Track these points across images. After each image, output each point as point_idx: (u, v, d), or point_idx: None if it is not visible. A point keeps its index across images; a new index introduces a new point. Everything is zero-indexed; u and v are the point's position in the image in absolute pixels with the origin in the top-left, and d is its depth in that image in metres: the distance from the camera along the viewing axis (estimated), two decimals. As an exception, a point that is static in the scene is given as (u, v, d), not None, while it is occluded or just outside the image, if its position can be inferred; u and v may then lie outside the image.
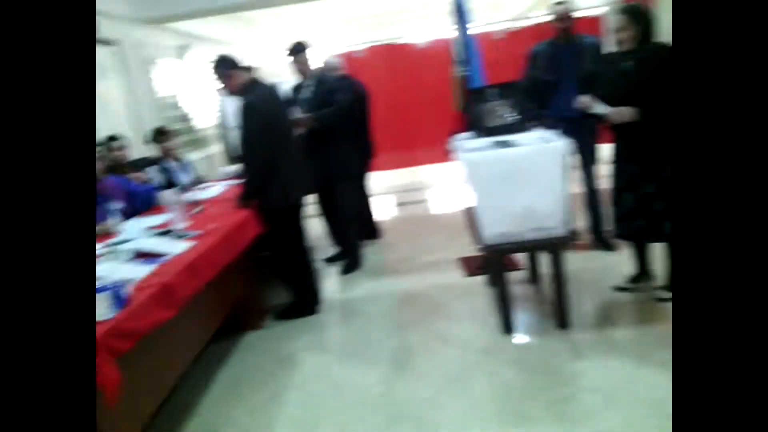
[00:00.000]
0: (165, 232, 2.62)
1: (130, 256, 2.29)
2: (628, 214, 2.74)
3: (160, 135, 3.93)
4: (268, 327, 3.24)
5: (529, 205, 2.43)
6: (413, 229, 5.02)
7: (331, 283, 3.85)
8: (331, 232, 4.24)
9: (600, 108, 2.66)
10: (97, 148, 3.27)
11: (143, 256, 2.27)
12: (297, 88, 3.84)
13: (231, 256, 2.64)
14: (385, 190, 6.56)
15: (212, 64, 3.02)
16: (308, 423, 2.26)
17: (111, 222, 2.90)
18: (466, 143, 2.78)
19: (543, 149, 2.42)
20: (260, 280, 3.35)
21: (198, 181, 4.20)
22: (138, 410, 1.87)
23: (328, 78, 3.82)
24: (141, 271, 2.05)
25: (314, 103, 3.69)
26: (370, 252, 4.28)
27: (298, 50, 3.69)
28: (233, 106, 5.20)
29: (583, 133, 3.32)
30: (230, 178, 4.22)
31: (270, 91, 3.12)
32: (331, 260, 4.14)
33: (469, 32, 3.38)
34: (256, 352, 2.95)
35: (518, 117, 2.82)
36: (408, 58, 5.86)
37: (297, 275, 3.30)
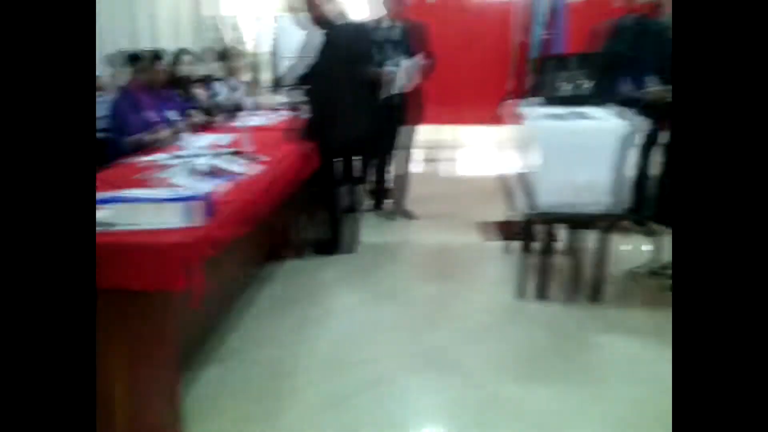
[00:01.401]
0: (234, 152, 2.71)
1: (201, 171, 2.38)
2: (664, 198, 2.79)
3: (227, 54, 3.97)
4: (307, 258, 3.37)
5: (591, 180, 2.48)
6: (446, 187, 5.08)
7: (366, 227, 3.95)
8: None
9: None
10: (164, 61, 3.33)
11: (216, 172, 2.37)
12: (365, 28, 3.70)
13: (296, 183, 2.74)
14: (420, 145, 6.56)
15: None
16: (339, 351, 2.40)
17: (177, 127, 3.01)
18: (534, 109, 2.80)
19: (617, 126, 2.44)
20: (305, 213, 3.46)
21: (255, 107, 4.26)
22: (209, 314, 2.02)
23: (416, 25, 3.76)
24: (218, 186, 2.16)
25: (403, 48, 3.67)
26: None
27: None
28: (294, 35, 5.18)
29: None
30: (282, 108, 4.26)
31: (356, 28, 3.12)
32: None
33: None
34: (296, 279, 3.09)
35: (593, 89, 2.83)
36: (473, 13, 5.70)
37: (335, 214, 3.40)
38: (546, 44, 3.35)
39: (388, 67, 3.57)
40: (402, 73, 3.51)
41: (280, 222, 3.04)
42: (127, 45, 3.38)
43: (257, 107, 4.40)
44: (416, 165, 5.91)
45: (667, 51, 3.22)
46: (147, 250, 1.60)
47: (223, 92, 3.92)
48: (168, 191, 1.76)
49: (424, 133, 6.50)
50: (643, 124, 2.46)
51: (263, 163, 2.59)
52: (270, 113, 4.10)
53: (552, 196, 2.59)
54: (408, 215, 4.12)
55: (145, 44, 3.84)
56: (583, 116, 2.62)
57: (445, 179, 5.47)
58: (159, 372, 1.76)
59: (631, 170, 2.56)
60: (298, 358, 2.34)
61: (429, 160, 6.16)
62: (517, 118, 2.91)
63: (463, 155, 6.42)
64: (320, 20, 3.00)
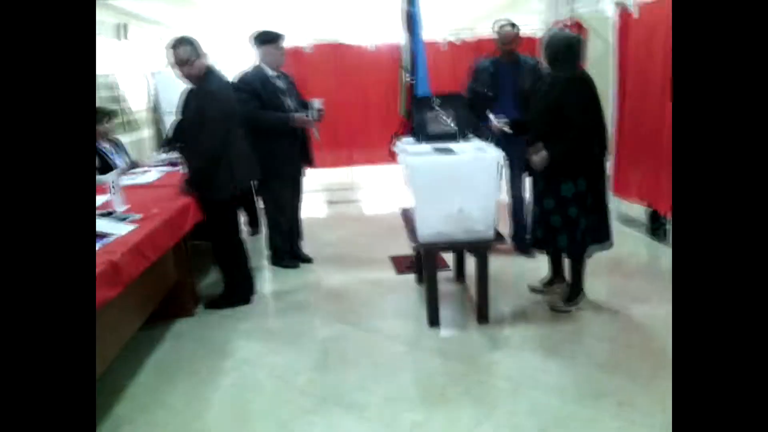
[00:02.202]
0: (106, 213, 2.62)
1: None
2: (534, 224, 3.04)
3: (97, 116, 3.83)
4: (200, 315, 3.27)
5: (462, 209, 2.65)
6: (348, 227, 5.16)
7: (263, 274, 3.91)
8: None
9: (507, 129, 3.06)
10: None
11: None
12: (261, 77, 3.69)
13: (172, 241, 2.68)
14: (319, 188, 6.65)
15: (175, 46, 2.95)
16: (239, 406, 2.35)
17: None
18: (408, 147, 2.97)
19: (479, 158, 2.65)
20: (193, 269, 3.37)
21: (133, 165, 4.14)
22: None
23: (289, 75, 3.89)
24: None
25: (294, 96, 3.77)
26: (305, 247, 4.35)
27: (275, 39, 3.67)
28: (171, 90, 5.12)
29: (515, 145, 3.43)
30: (165, 164, 4.18)
31: (224, 80, 3.15)
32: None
33: (419, 40, 3.59)
34: (188, 339, 2.98)
35: (458, 126, 3.05)
36: (355, 59, 5.99)
37: (233, 264, 3.34)
38: (410, 87, 3.59)
39: (300, 113, 3.67)
40: (315, 115, 3.62)
41: (167, 279, 2.94)
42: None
43: (140, 165, 4.28)
44: (322, 208, 6.00)
45: (522, 88, 3.60)
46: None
47: (100, 153, 3.77)
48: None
49: (325, 176, 6.66)
50: (502, 156, 2.68)
51: (135, 221, 2.51)
52: (155, 170, 4.00)
53: (429, 226, 2.73)
54: (307, 259, 4.13)
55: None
56: (447, 151, 2.81)
57: (351, 219, 5.54)
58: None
59: (496, 198, 2.76)
60: (197, 419, 2.26)
61: (333, 203, 6.25)
62: (398, 157, 3.07)
63: (366, 195, 6.56)
64: (193, 76, 3.00)
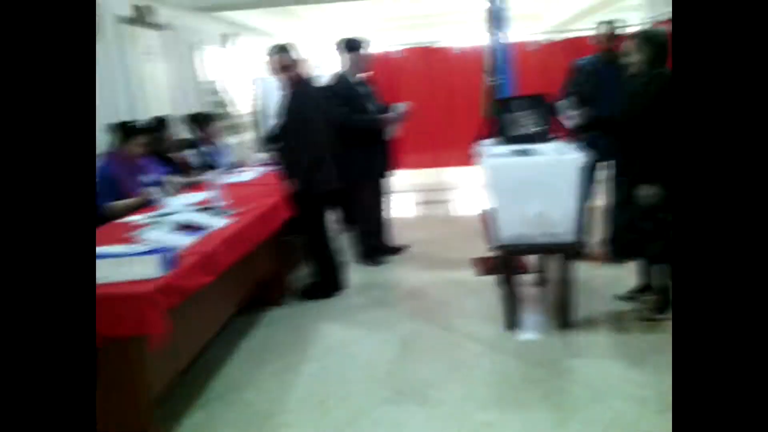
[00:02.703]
0: (206, 208, 2.88)
1: (175, 226, 2.54)
2: (621, 229, 2.90)
3: (200, 120, 4.19)
4: (291, 305, 3.47)
5: (542, 212, 2.62)
6: (434, 227, 5.21)
7: (350, 270, 4.06)
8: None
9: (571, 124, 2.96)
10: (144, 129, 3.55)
11: (187, 227, 2.52)
12: (346, 84, 3.85)
13: (264, 234, 2.89)
14: (408, 189, 6.75)
15: (277, 52, 3.14)
16: (320, 390, 2.49)
17: (151, 192, 3.16)
18: (490, 149, 2.98)
19: (559, 160, 2.60)
20: (285, 261, 3.59)
21: (234, 165, 4.46)
22: (176, 360, 2.13)
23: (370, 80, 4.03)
24: (186, 240, 2.31)
25: (373, 100, 3.93)
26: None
27: (360, 46, 3.82)
28: (271, 96, 5.47)
29: (614, 149, 3.18)
30: (263, 164, 4.46)
31: (316, 85, 3.35)
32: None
33: (503, 41, 3.57)
34: (279, 326, 3.19)
35: (540, 128, 3.01)
36: (442, 62, 6.03)
37: (324, 258, 3.52)
38: (492, 89, 3.57)
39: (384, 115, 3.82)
40: (398, 117, 3.76)
41: (259, 270, 3.16)
42: (125, 114, 3.61)
43: (242, 165, 4.61)
44: (409, 209, 6.11)
45: (622, 87, 3.44)
46: (107, 300, 1.72)
47: (202, 154, 4.12)
48: (134, 247, 1.90)
49: (414, 177, 6.75)
50: (585, 158, 2.61)
51: (231, 216, 2.74)
52: (253, 170, 4.30)
53: (509, 229, 2.72)
54: (397, 250, 4.24)
55: (140, 112, 4.11)
56: (528, 153, 2.79)
57: (438, 220, 5.60)
58: (131, 418, 1.85)
59: (579, 201, 2.69)
60: (280, 401, 2.43)
61: (420, 203, 6.34)
62: (478, 159, 3.08)
63: (454, 196, 6.59)
64: (292, 81, 3.20)
